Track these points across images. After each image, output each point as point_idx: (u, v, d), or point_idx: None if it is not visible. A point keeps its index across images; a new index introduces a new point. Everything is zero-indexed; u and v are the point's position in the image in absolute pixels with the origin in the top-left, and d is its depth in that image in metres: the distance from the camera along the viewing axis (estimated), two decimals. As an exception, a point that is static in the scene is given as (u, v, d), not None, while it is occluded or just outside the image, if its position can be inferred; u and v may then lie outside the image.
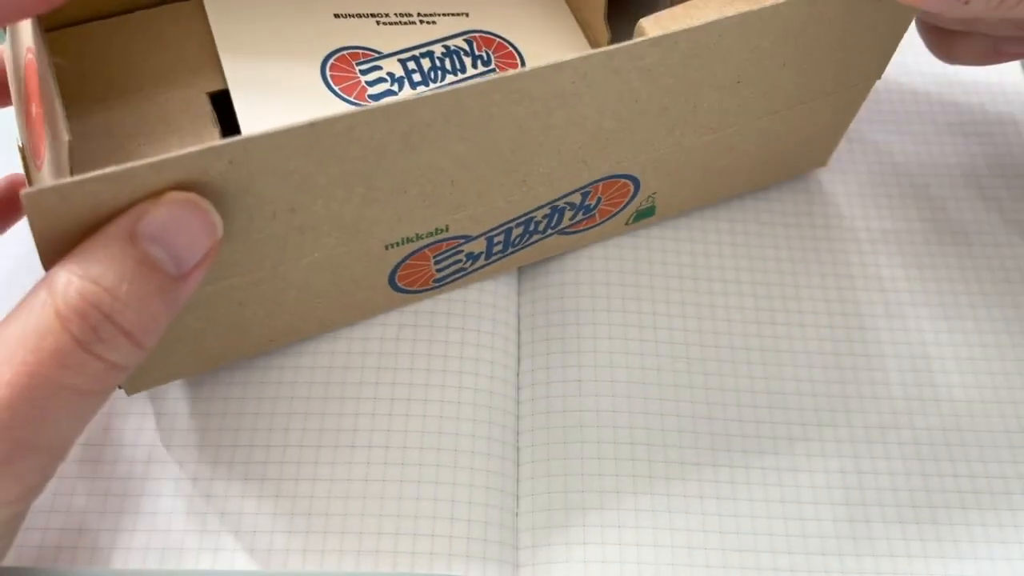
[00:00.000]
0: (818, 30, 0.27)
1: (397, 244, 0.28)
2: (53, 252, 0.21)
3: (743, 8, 0.29)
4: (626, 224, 0.33)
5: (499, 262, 0.32)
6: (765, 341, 0.33)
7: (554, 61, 0.23)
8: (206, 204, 0.22)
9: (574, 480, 0.30)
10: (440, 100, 0.22)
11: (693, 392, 0.31)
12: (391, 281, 0.30)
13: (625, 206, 0.32)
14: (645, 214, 0.33)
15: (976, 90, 0.39)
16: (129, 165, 0.20)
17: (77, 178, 0.20)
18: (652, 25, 0.30)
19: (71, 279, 0.20)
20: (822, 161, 0.36)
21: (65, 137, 0.23)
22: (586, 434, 0.30)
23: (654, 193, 0.32)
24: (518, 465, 0.31)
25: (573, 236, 0.32)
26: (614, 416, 0.31)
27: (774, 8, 0.25)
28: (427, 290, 0.31)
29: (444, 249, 0.29)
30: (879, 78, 0.32)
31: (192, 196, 0.21)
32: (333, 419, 0.30)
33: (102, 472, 0.29)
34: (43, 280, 0.20)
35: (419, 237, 0.28)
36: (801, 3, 0.25)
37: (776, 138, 0.32)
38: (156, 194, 0.21)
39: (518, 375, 0.32)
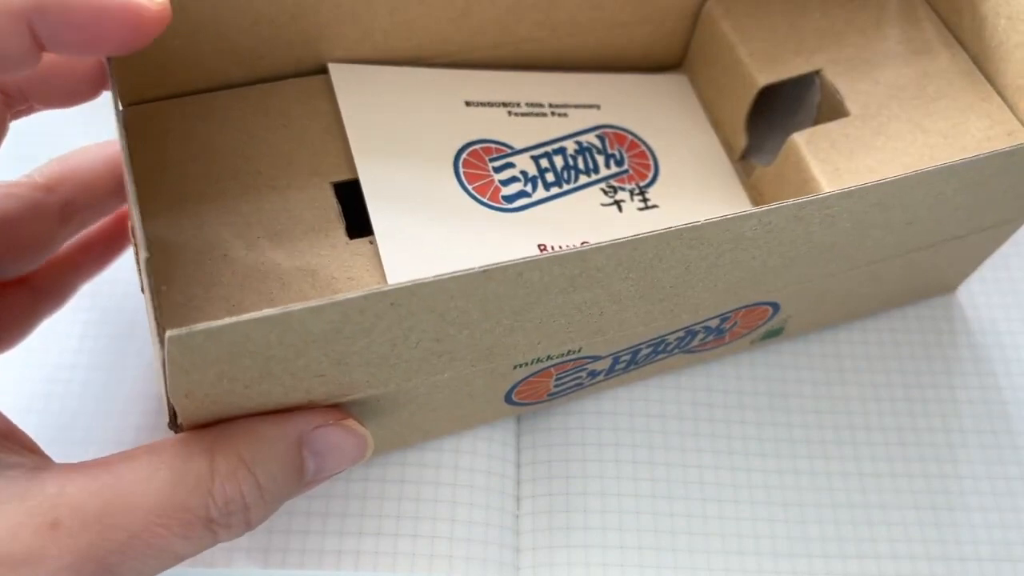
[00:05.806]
0: (1004, 179, 0.25)
1: (526, 364, 0.26)
2: (180, 392, 0.19)
3: (926, 149, 0.27)
4: (751, 343, 0.31)
5: (616, 378, 0.30)
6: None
7: (740, 212, 0.21)
8: (369, 439, 0.23)
9: (575, 482, 0.29)
10: (618, 248, 0.20)
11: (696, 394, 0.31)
12: (507, 397, 0.28)
13: (757, 328, 0.30)
14: (772, 334, 0.31)
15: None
16: (288, 308, 0.18)
17: (230, 320, 0.18)
18: (806, 143, 0.28)
19: (240, 471, 0.20)
20: (952, 288, 0.34)
21: (143, 254, 0.21)
22: (587, 436, 0.30)
23: (789, 316, 0.30)
24: (518, 466, 0.30)
25: (695, 354, 0.30)
26: (615, 417, 0.30)
27: (975, 161, 0.23)
28: (538, 403, 0.29)
29: (569, 368, 0.27)
30: None
31: (362, 431, 0.22)
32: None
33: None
34: (208, 446, 0.20)
35: (550, 358, 0.26)
36: (1000, 157, 0.23)
37: (922, 269, 0.30)
38: (326, 409, 0.22)
39: None
